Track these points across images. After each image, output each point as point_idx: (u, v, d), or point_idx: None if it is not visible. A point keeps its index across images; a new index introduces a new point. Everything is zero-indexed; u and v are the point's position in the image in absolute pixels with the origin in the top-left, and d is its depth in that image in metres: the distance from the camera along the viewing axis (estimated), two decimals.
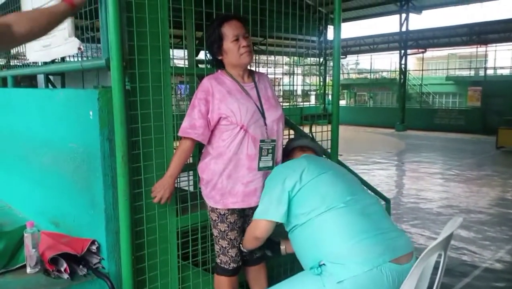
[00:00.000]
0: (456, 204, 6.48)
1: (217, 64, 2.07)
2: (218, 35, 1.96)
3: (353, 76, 29.71)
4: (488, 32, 18.25)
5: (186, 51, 3.27)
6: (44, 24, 1.54)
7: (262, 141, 1.95)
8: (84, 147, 1.92)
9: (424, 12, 19.45)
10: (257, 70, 2.35)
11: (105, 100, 1.79)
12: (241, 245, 2.07)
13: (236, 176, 1.95)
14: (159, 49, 1.91)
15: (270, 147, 1.99)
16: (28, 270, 1.85)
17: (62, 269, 1.78)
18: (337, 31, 2.65)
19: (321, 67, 23.22)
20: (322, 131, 2.65)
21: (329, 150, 2.71)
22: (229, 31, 1.95)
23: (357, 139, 15.89)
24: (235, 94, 1.96)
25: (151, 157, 1.92)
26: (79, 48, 1.97)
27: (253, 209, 1.97)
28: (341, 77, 19.36)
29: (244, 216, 2.10)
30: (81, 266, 1.84)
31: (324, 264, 1.64)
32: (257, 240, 1.92)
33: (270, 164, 2.01)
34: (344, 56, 24.41)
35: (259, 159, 1.95)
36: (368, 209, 1.75)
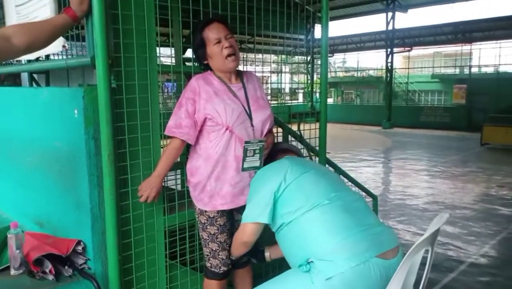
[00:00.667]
0: (442, 200, 6.57)
1: (206, 68, 2.05)
2: (201, 40, 1.95)
3: (340, 74, 29.90)
4: (473, 31, 18.51)
5: (173, 49, 3.25)
6: (44, 37, 1.55)
7: (247, 142, 1.94)
8: (69, 146, 1.89)
9: (410, 10, 19.65)
10: (245, 68, 2.33)
11: (90, 98, 1.76)
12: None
13: (224, 177, 1.95)
14: (145, 47, 1.89)
15: (258, 148, 1.97)
16: (12, 271, 1.81)
17: (47, 270, 1.75)
18: (325, 29, 2.65)
19: (309, 65, 23.29)
20: (310, 129, 2.66)
21: (317, 148, 2.72)
22: (211, 34, 1.93)
23: (344, 137, 15.99)
24: (222, 95, 1.94)
25: (138, 155, 1.90)
26: (64, 46, 1.94)
27: (242, 212, 1.97)
28: (329, 75, 19.46)
29: (233, 219, 2.09)
30: (66, 267, 1.80)
31: (312, 261, 1.64)
32: (245, 244, 1.93)
33: (257, 164, 1.99)
34: (331, 55, 24.56)
35: (243, 160, 1.94)
36: (352, 205, 1.77)
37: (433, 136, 16.28)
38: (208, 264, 2.07)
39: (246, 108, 1.98)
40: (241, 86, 2.03)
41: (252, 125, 1.97)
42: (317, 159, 2.81)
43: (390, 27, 19.29)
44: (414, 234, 4.93)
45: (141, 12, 1.86)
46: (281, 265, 2.23)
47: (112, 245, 1.79)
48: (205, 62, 2.00)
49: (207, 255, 2.06)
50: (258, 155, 1.98)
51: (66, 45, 1.95)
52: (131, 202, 1.89)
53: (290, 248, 1.79)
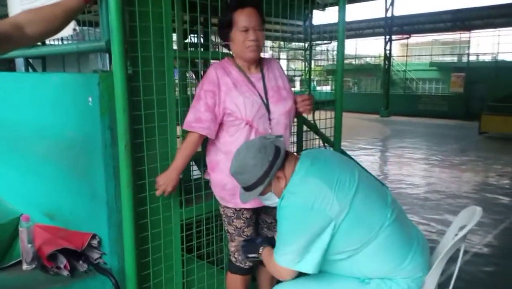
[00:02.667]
0: (442, 190, 6.55)
1: (225, 46, 1.96)
2: (229, 20, 1.80)
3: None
4: (471, 19, 18.38)
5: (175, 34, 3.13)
6: (58, 24, 1.46)
7: (264, 137, 1.85)
8: (83, 135, 1.80)
9: None
10: None
11: (105, 85, 1.66)
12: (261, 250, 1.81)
13: None
14: (161, 31, 1.79)
15: None
16: (24, 266, 1.74)
17: (62, 266, 1.68)
18: (342, 13, 2.55)
19: (306, 52, 23.10)
20: (326, 118, 2.58)
21: (331, 138, 2.65)
22: (241, 19, 1.78)
23: (342, 125, 15.95)
24: (241, 86, 1.85)
25: (155, 146, 1.82)
26: (74, 30, 1.83)
27: (268, 211, 1.92)
28: (326, 62, 19.30)
29: (257, 212, 2.02)
30: (81, 262, 1.73)
31: (371, 278, 1.59)
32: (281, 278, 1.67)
33: None
34: (329, 42, 24.32)
35: None
36: (401, 215, 1.65)
37: (431, 125, 16.28)
38: (233, 259, 2.00)
39: (265, 100, 1.87)
40: (260, 77, 1.91)
41: (269, 119, 1.87)
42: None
43: (389, 14, 19.12)
44: (417, 224, 4.91)
45: None
46: None
47: (129, 239, 1.72)
48: (226, 42, 1.89)
49: (233, 249, 1.99)
50: None
51: (76, 28, 1.85)
52: (148, 194, 1.81)
53: (341, 271, 1.64)
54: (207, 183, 2.01)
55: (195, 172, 2.70)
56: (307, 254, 1.50)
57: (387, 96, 19.47)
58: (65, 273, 1.67)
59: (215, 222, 2.06)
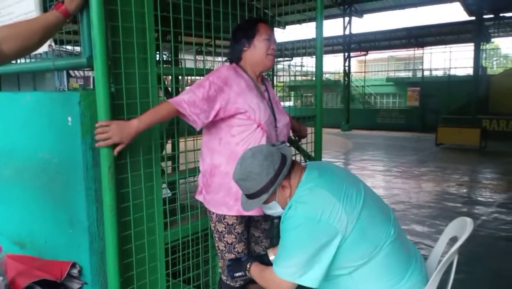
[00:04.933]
0: (407, 200, 6.72)
1: (233, 56, 1.94)
2: (254, 28, 1.88)
3: (299, 78, 30.33)
4: (424, 36, 19.36)
5: None
6: (36, 40, 1.37)
7: (272, 145, 1.82)
8: (60, 157, 1.69)
9: (365, 16, 20.23)
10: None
11: (87, 103, 1.57)
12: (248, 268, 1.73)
13: None
14: (145, 47, 1.73)
15: None
16: None
17: None
18: (319, 29, 2.59)
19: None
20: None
21: (312, 154, 2.64)
22: (265, 30, 1.88)
23: (305, 140, 16.18)
24: (253, 90, 1.84)
25: (139, 166, 1.73)
26: (50, 46, 1.73)
27: (259, 218, 1.85)
28: (287, 79, 19.61)
29: (248, 226, 1.96)
30: None
31: None
32: None
33: None
34: (290, 58, 24.82)
35: None
36: (401, 231, 1.64)
37: (390, 137, 16.81)
38: (224, 277, 1.93)
39: (271, 109, 1.90)
40: (265, 89, 1.95)
41: (276, 127, 1.89)
42: None
43: (347, 32, 19.77)
44: None
45: (141, 9, 1.69)
46: None
47: (113, 267, 1.61)
48: (245, 48, 1.89)
49: (224, 267, 1.92)
50: None
51: (52, 44, 1.75)
52: (133, 218, 1.71)
53: (337, 288, 1.60)
54: (194, 203, 1.94)
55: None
56: (311, 267, 1.45)
57: (348, 111, 20.01)
58: None
59: (202, 243, 1.98)
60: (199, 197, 1.93)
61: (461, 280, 3.63)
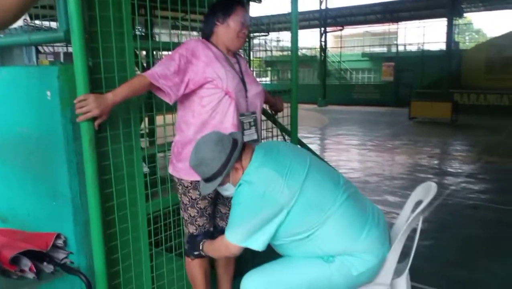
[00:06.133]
0: (380, 172, 6.93)
1: (205, 29, 1.97)
2: (231, 7, 1.90)
3: (275, 53, 30.18)
4: (399, 10, 19.47)
5: None
6: (12, 15, 1.33)
7: (241, 114, 1.90)
8: (40, 131, 1.71)
9: None
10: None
11: (66, 78, 1.59)
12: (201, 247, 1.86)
13: None
14: (122, 21, 1.74)
15: (252, 120, 1.95)
16: None
17: (27, 269, 1.59)
18: (294, 4, 2.62)
19: (245, 44, 23.16)
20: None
21: (288, 127, 2.72)
22: (241, 13, 1.91)
23: (281, 115, 16.28)
24: (221, 61, 1.88)
25: (119, 140, 1.77)
26: (25, 20, 1.72)
27: (227, 204, 1.94)
28: (264, 54, 19.54)
29: (215, 203, 2.05)
30: (45, 263, 1.65)
31: (328, 257, 1.67)
32: (226, 257, 1.84)
33: (255, 136, 1.96)
34: (266, 34, 24.62)
35: (242, 134, 1.88)
36: (354, 194, 1.75)
37: (365, 112, 17.10)
38: (187, 246, 1.99)
39: (242, 79, 1.94)
40: (236, 61, 1.99)
41: (246, 97, 1.93)
42: (288, 139, 2.82)
43: (323, 6, 19.70)
44: None
45: None
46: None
47: (97, 236, 1.67)
48: (217, 23, 1.92)
49: (187, 233, 2.00)
50: (254, 127, 1.95)
51: (27, 19, 1.74)
52: (115, 190, 1.76)
53: (300, 252, 1.71)
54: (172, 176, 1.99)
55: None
56: (255, 234, 1.61)
57: (324, 87, 20.14)
58: (31, 275, 1.58)
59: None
60: (169, 169, 1.99)
61: (430, 246, 3.83)
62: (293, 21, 2.65)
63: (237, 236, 1.63)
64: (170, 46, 2.06)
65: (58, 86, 1.58)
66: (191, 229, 1.97)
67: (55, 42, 1.66)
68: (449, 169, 7.01)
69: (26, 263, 1.59)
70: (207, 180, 1.69)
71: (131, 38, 1.80)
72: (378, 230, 1.72)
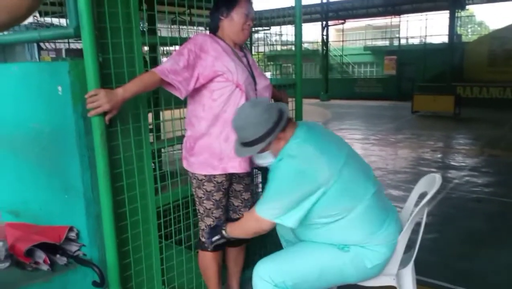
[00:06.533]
0: (384, 166, 6.94)
1: (211, 24, 1.99)
2: (234, 1, 1.90)
3: (278, 48, 30.13)
4: (401, 3, 19.33)
5: None
6: (24, 11, 1.34)
7: None
8: (52, 126, 1.74)
9: None
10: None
11: (77, 73, 1.62)
12: (223, 231, 1.84)
13: (234, 138, 1.85)
14: (130, 16, 1.76)
15: None
16: None
17: (41, 261, 1.63)
18: None
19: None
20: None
21: None
22: (245, 4, 1.91)
23: None
24: (230, 55, 1.90)
25: (129, 134, 1.80)
26: (35, 16, 1.74)
27: (243, 182, 1.95)
28: (267, 49, 19.53)
29: (228, 195, 2.08)
30: (58, 256, 1.69)
31: (348, 245, 1.70)
32: (256, 234, 1.78)
33: None
34: (268, 28, 24.53)
35: None
36: (380, 189, 1.79)
37: (368, 106, 17.07)
38: (202, 239, 2.03)
39: (251, 72, 1.96)
40: (243, 54, 2.01)
41: (255, 90, 1.95)
42: None
43: (324, 0, 19.61)
44: None
45: None
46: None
47: (109, 229, 1.70)
48: (222, 17, 1.93)
49: (203, 229, 2.02)
50: None
51: (37, 15, 1.76)
52: (126, 183, 1.79)
53: (321, 238, 1.74)
54: (183, 169, 2.02)
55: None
56: (291, 211, 1.62)
57: (326, 81, 20.10)
58: (45, 267, 1.62)
59: (191, 207, 2.08)
60: (184, 163, 2.02)
61: (434, 239, 3.86)
62: (297, 15, 2.67)
63: (273, 211, 1.63)
64: (178, 41, 2.08)
65: (69, 81, 1.61)
66: (208, 221, 2.00)
67: (65, 38, 1.68)
68: (452, 163, 7.01)
69: (40, 255, 1.63)
70: (248, 144, 1.70)
71: (139, 33, 1.82)
72: (395, 226, 1.76)
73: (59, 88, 1.64)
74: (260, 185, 2.70)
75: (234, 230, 1.80)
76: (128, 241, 1.83)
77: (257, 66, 2.08)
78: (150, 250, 1.94)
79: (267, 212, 1.64)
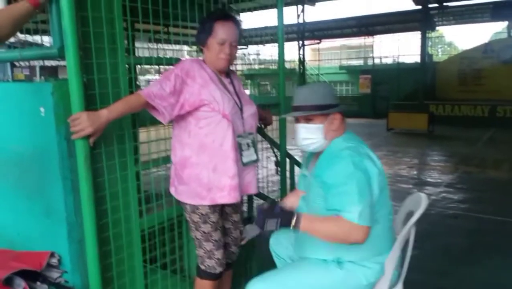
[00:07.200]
0: None
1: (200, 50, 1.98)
2: (209, 28, 1.85)
3: (255, 66, 30.41)
4: (374, 24, 19.92)
5: None
6: (8, 30, 1.36)
7: (239, 136, 1.89)
8: (34, 148, 1.68)
9: (317, 4, 20.51)
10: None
11: (60, 94, 1.58)
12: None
13: (222, 168, 1.84)
14: (115, 37, 1.74)
15: (250, 140, 1.95)
16: None
17: None
18: (280, 17, 2.68)
19: None
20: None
21: (277, 140, 2.74)
22: (220, 31, 1.85)
23: (271, 129, 16.35)
24: (217, 84, 1.88)
25: (114, 156, 1.76)
26: (16, 36, 1.71)
27: (231, 207, 1.95)
28: (245, 67, 19.66)
29: (223, 214, 2.04)
30: (39, 283, 1.62)
31: (342, 262, 1.70)
32: (340, 242, 1.65)
33: (255, 157, 1.97)
34: (245, 47, 24.80)
35: (241, 155, 1.89)
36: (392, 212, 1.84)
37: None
38: (202, 267, 1.96)
39: (237, 100, 1.93)
40: (230, 81, 1.99)
41: (242, 118, 1.93)
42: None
43: (301, 20, 19.99)
44: None
45: None
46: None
47: (92, 254, 1.64)
48: (201, 47, 1.92)
49: (202, 256, 1.96)
50: (253, 148, 1.95)
51: (18, 34, 1.72)
52: (110, 206, 1.74)
53: (320, 247, 1.71)
54: (166, 190, 1.99)
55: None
56: (372, 211, 1.59)
57: None
58: None
59: (177, 229, 2.04)
60: (171, 190, 1.98)
61: (414, 257, 3.87)
62: (279, 36, 2.70)
63: (367, 216, 1.55)
64: (163, 61, 2.06)
65: (53, 102, 1.57)
66: (208, 246, 1.93)
67: (48, 58, 1.64)
68: (429, 179, 7.15)
69: (20, 283, 1.55)
70: (302, 108, 1.72)
71: (123, 53, 1.80)
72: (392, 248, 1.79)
73: (42, 109, 1.59)
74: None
75: (318, 229, 1.60)
76: (112, 267, 1.77)
77: (243, 92, 2.04)
78: (134, 275, 1.88)
79: (364, 218, 1.54)
